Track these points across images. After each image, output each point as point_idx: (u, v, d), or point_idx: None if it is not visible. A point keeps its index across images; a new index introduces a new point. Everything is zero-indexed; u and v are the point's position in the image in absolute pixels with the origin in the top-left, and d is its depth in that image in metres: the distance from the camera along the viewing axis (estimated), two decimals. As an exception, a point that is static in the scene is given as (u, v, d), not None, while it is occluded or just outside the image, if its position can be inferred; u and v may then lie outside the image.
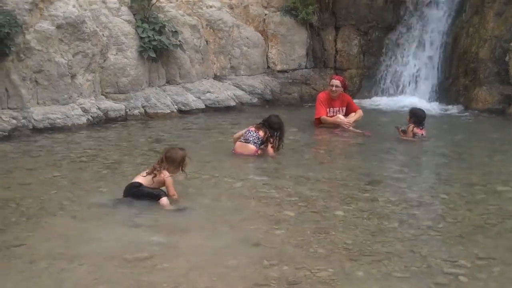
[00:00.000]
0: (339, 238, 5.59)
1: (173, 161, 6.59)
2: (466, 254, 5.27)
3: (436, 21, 14.19)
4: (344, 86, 11.04)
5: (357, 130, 10.55)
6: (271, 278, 4.73)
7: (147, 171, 6.59)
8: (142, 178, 6.51)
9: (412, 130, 9.89)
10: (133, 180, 6.54)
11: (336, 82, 10.90)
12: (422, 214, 6.32)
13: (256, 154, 8.52)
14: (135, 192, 6.41)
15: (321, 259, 5.10)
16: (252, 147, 8.52)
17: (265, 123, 8.75)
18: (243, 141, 8.60)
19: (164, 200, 6.34)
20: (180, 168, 6.68)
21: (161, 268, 4.90)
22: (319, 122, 10.89)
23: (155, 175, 6.48)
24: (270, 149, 8.65)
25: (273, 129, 8.70)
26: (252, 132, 8.61)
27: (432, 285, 4.68)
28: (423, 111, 10.24)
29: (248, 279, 4.73)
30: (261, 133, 8.62)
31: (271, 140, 8.65)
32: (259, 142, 8.57)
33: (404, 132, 9.98)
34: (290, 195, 6.84)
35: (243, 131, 8.72)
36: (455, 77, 13.68)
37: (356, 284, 4.68)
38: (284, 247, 5.37)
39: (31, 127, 9.75)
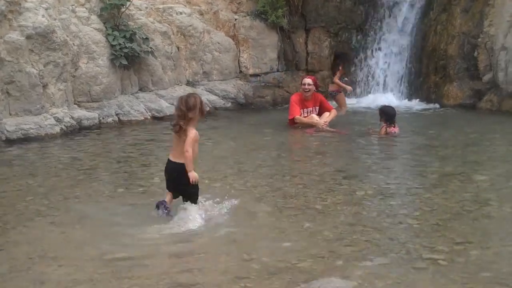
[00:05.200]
0: (318, 230, 5.62)
1: (195, 106, 5.92)
2: (443, 239, 5.33)
3: (405, 20, 14.35)
4: (316, 85, 11.10)
5: (332, 129, 10.61)
6: (252, 270, 4.74)
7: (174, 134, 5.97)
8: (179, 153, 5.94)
9: (385, 130, 9.96)
10: (174, 160, 6.00)
11: (308, 80, 10.97)
12: (399, 204, 6.39)
13: None
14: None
15: (301, 250, 5.12)
16: None
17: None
18: None
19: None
20: (202, 114, 6.01)
21: (142, 265, 4.89)
22: (293, 123, 10.94)
23: (185, 135, 5.87)
24: None
25: None
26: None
27: (412, 270, 4.72)
28: (393, 108, 10.33)
29: (229, 273, 4.74)
30: None
31: None
32: None
33: (376, 132, 10.08)
34: (267, 191, 6.86)
35: None
36: (426, 75, 13.86)
37: (337, 272, 4.70)
38: (264, 241, 5.39)
39: (4, 139, 9.63)
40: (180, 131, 5.94)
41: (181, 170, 5.91)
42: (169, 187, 6.15)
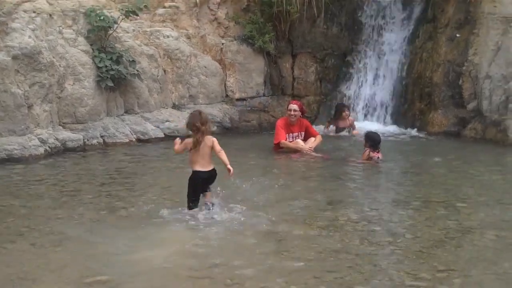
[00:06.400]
0: (301, 256, 5.61)
1: (207, 121, 6.85)
2: (426, 267, 5.34)
3: (391, 47, 14.45)
4: (302, 111, 11.12)
5: (317, 154, 10.64)
6: (234, 296, 4.73)
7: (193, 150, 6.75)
8: (208, 163, 6.81)
9: (368, 154, 10.01)
10: (206, 169, 6.81)
11: (294, 106, 11.00)
12: (382, 231, 6.39)
13: None
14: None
15: (283, 277, 5.10)
16: None
17: None
18: None
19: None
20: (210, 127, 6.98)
21: (122, 289, 4.86)
22: (278, 148, 10.95)
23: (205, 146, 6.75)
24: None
25: None
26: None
27: (394, 297, 4.72)
28: (378, 135, 10.35)
29: (211, 298, 4.72)
30: None
31: None
32: None
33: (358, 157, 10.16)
34: (250, 217, 6.79)
35: None
36: (411, 102, 13.92)
37: (319, 299, 4.70)
38: (245, 267, 5.36)
39: (-13, 159, 9.59)
40: (199, 145, 6.69)
41: (214, 174, 6.86)
42: (195, 200, 6.84)
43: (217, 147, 6.81)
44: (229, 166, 6.81)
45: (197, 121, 6.73)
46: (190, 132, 6.83)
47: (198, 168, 6.79)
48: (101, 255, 5.63)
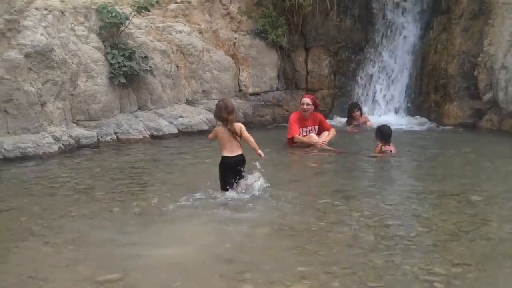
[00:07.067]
0: (314, 251, 5.56)
1: (233, 110, 7.35)
2: (440, 261, 5.27)
3: (405, 39, 14.37)
4: (315, 105, 11.06)
5: (330, 148, 10.57)
6: (245, 292, 4.69)
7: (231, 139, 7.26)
8: (236, 148, 7.30)
9: (380, 148, 9.94)
10: (233, 154, 7.29)
11: (307, 100, 10.94)
12: (396, 225, 6.32)
13: None
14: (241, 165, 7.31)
15: (295, 272, 5.06)
16: None
17: None
18: None
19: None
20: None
21: (134, 286, 4.83)
22: (292, 142, 10.89)
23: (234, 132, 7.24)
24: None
25: None
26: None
27: (407, 293, 4.67)
28: (389, 127, 10.23)
29: (222, 295, 4.69)
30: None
31: None
32: None
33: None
34: (263, 212, 6.79)
35: None
36: (426, 94, 13.85)
37: (332, 295, 4.65)
38: (258, 262, 5.32)
39: (1, 157, 9.59)
40: (230, 131, 7.20)
41: (242, 159, 7.30)
42: (228, 182, 7.27)
43: (245, 133, 7.30)
44: (259, 151, 7.38)
45: (224, 112, 7.20)
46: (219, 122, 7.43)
47: (226, 153, 7.28)
48: (114, 253, 5.61)
